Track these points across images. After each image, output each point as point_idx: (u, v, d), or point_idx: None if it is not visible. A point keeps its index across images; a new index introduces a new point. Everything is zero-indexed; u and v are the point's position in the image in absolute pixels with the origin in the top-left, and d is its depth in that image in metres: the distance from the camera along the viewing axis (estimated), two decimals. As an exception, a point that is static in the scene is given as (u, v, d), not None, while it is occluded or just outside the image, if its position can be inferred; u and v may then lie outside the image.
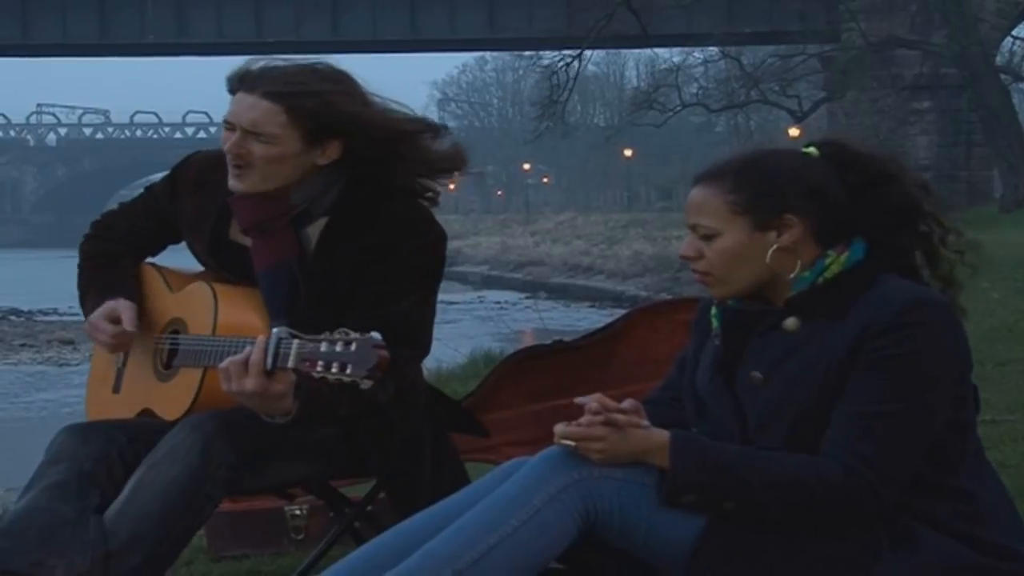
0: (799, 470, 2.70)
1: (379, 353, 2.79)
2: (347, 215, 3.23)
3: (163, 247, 3.52)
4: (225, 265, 3.31)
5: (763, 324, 2.82)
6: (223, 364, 2.93)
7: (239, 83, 3.22)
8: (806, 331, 2.78)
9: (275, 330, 2.89)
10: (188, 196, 3.38)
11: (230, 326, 3.14)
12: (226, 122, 3.20)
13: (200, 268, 3.41)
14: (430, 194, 3.32)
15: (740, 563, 2.69)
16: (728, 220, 2.80)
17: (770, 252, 2.79)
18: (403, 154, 3.25)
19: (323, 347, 2.80)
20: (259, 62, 3.26)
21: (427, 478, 3.27)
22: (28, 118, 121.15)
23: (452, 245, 3.31)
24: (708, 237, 2.82)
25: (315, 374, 2.81)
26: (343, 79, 3.24)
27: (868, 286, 2.76)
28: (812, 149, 2.88)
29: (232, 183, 3.21)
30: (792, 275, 2.80)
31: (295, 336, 2.84)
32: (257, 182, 3.18)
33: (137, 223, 3.48)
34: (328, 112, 3.17)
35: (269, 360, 2.86)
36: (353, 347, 2.78)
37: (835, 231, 2.81)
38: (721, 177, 2.83)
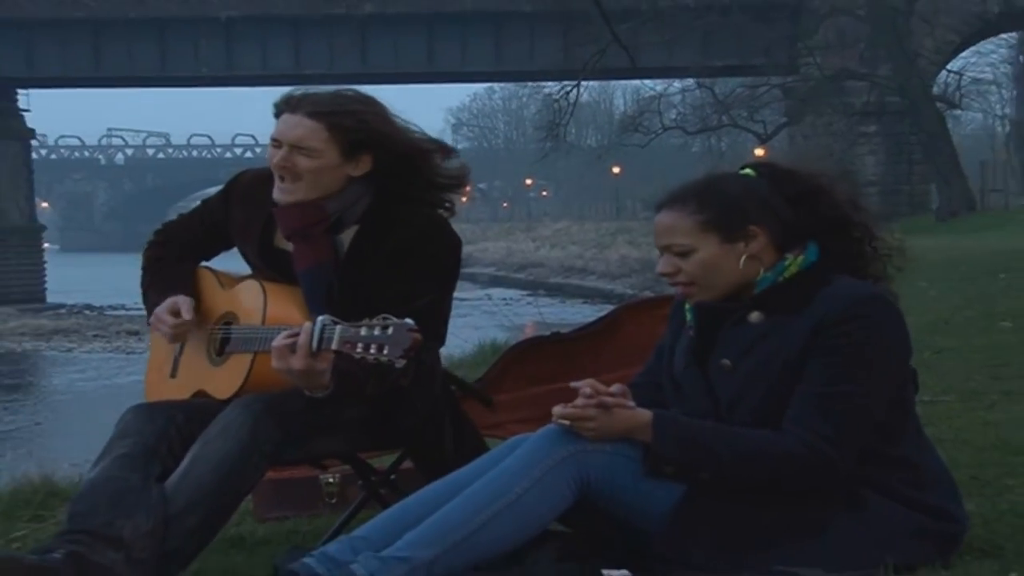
0: (765, 445, 2.70)
1: (412, 336, 2.78)
2: (375, 223, 3.22)
3: (217, 252, 3.51)
4: (272, 267, 3.30)
5: (731, 317, 2.82)
6: (275, 343, 2.93)
7: (284, 106, 3.22)
8: (769, 323, 2.78)
9: (320, 317, 2.89)
10: (239, 207, 3.38)
11: (277, 318, 3.13)
12: (273, 140, 3.20)
13: (248, 271, 3.40)
14: (448, 204, 3.32)
15: (713, 524, 2.69)
16: (700, 237, 2.80)
17: (743, 259, 2.79)
18: (420, 169, 3.25)
19: (363, 331, 2.80)
20: (300, 90, 3.27)
21: (449, 450, 3.27)
22: (100, 140, 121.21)
23: (464, 250, 3.30)
24: (683, 254, 2.81)
25: (355, 355, 2.81)
26: (373, 102, 3.25)
27: (822, 284, 2.77)
28: (748, 171, 2.88)
29: (277, 195, 3.20)
30: (758, 277, 2.80)
31: (337, 322, 2.85)
32: (300, 193, 3.17)
33: (194, 231, 3.47)
34: (362, 129, 3.16)
35: (314, 343, 2.87)
36: (390, 331, 2.78)
37: (789, 237, 2.81)
38: (683, 201, 2.83)
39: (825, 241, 2.82)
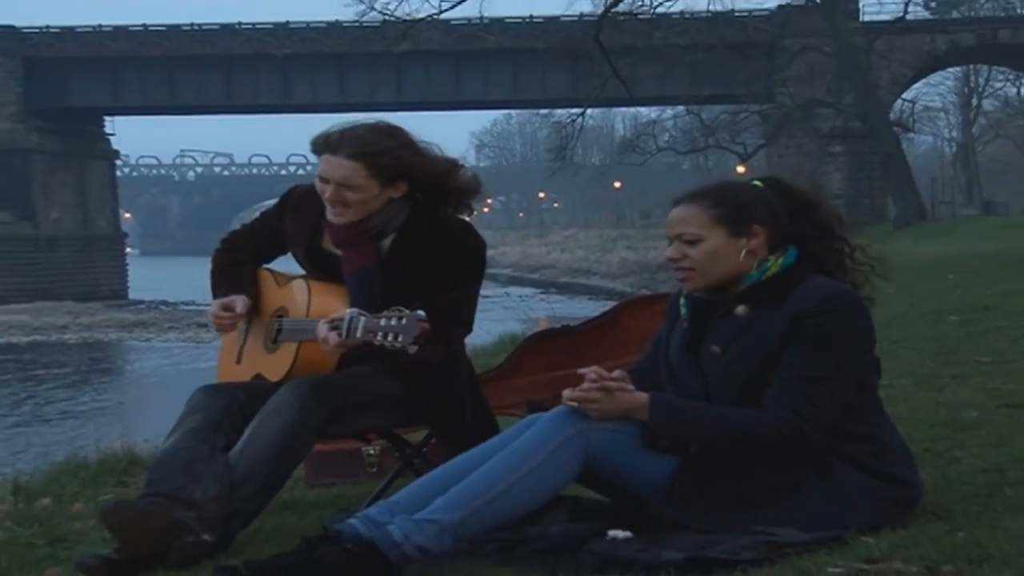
0: (747, 421, 2.68)
1: (421, 325, 2.81)
2: (410, 231, 3.22)
3: (275, 256, 3.51)
4: (319, 268, 3.31)
5: (720, 310, 2.81)
6: (318, 332, 2.98)
7: (324, 147, 3.18)
8: (753, 316, 2.77)
9: (348, 311, 2.93)
10: (291, 217, 3.38)
11: (320, 311, 3.14)
12: (321, 177, 3.19)
13: (301, 271, 3.41)
14: (472, 210, 3.32)
15: (703, 491, 2.68)
16: (710, 228, 2.79)
17: (743, 253, 2.78)
18: (446, 183, 3.24)
19: (382, 322, 2.84)
20: (332, 129, 3.22)
21: (468, 427, 3.26)
22: (174, 160, 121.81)
23: (487, 253, 3.30)
24: (692, 242, 2.80)
25: (375, 342, 2.84)
26: (399, 133, 3.22)
27: (799, 282, 2.76)
28: (758, 182, 2.88)
29: (332, 218, 3.19)
30: (750, 272, 2.79)
31: (363, 314, 2.89)
32: (350, 216, 3.18)
33: (254, 239, 3.48)
34: (396, 162, 3.15)
35: (344, 333, 2.92)
36: (403, 321, 2.82)
37: (779, 241, 2.81)
38: (701, 197, 2.83)
39: (812, 248, 2.82)
